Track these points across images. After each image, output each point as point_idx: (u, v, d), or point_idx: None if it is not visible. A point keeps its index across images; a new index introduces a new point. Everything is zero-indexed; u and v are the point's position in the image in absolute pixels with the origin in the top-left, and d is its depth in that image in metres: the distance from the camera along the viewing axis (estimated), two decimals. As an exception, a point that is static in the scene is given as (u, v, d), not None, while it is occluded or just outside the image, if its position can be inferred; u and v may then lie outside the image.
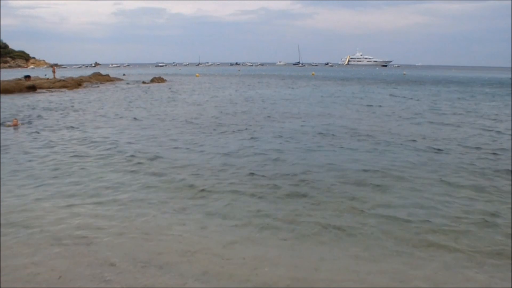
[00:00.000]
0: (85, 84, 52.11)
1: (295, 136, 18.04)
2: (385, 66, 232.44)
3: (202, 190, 10.47)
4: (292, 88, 51.58)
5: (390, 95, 41.51)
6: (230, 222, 8.57)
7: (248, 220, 8.66)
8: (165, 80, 63.72)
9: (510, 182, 11.20)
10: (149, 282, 6.27)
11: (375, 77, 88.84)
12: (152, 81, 60.23)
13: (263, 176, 11.73)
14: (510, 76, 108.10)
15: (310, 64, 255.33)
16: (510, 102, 34.87)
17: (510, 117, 24.52)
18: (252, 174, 11.91)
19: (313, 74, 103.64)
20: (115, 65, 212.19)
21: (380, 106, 30.38)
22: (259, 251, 7.29)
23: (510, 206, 9.40)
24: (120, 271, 6.58)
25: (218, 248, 7.38)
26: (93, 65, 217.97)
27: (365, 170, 12.28)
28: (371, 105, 30.62)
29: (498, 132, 19.56)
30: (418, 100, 35.86)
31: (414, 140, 17.03)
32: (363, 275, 6.52)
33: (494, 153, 14.83)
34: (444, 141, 17.10)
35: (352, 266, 6.81)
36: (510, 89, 53.00)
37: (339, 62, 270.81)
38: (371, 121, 22.70)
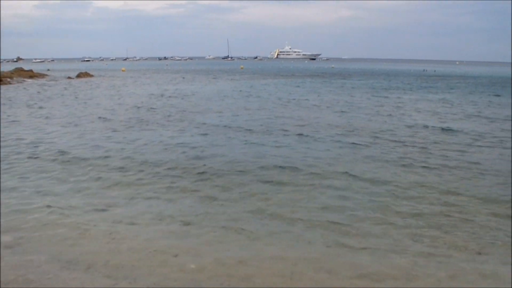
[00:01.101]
0: (6, 80, 49.25)
1: (208, 130, 17.76)
2: (314, 59, 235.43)
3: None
4: (214, 82, 51.15)
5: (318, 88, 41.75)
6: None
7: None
8: (92, 75, 61.53)
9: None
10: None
11: (303, 71, 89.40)
12: (79, 76, 58.08)
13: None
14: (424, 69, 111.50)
15: (239, 58, 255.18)
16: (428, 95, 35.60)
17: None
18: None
19: (241, 68, 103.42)
20: (39, 60, 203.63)
21: (306, 100, 30.37)
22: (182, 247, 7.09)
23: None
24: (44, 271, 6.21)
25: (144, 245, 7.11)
26: (15, 60, 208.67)
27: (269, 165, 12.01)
28: (291, 99, 30.60)
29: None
30: (339, 93, 36.04)
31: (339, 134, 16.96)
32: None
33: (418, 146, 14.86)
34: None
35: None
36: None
37: (269, 56, 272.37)
38: (293, 114, 22.65)
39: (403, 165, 12.25)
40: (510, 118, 21.64)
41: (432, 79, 64.37)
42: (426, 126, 19.13)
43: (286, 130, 17.78)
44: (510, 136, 16.52)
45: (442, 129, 18.45)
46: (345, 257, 6.74)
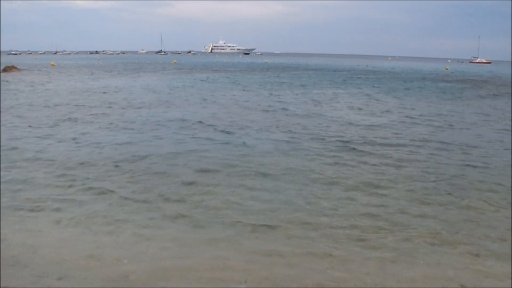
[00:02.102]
0: None
1: (127, 126, 17.56)
2: (248, 54, 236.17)
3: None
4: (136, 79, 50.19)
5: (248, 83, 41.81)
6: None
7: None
8: (20, 69, 59.01)
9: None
10: None
11: (234, 66, 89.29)
12: (5, 70, 55.61)
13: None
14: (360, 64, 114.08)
15: (172, 52, 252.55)
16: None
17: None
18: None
19: (174, 62, 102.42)
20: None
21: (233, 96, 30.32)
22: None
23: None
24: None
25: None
26: None
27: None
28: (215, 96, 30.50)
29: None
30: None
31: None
32: None
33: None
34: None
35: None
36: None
37: (202, 50, 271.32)
38: (218, 110, 22.51)
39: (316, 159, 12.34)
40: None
41: (362, 73, 65.81)
42: (345, 120, 19.45)
43: (211, 126, 17.71)
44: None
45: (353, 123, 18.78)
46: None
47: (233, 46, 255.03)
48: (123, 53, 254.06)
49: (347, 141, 15.08)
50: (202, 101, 26.56)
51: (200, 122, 18.60)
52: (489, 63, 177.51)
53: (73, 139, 14.92)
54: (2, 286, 5.78)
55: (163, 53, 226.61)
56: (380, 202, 9.16)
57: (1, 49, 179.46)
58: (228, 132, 16.42)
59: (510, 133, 17.41)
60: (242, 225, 7.86)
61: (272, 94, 31.16)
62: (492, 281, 6.19)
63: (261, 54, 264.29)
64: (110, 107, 23.09)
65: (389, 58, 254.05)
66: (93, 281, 5.93)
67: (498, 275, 6.33)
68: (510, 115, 22.69)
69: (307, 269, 6.39)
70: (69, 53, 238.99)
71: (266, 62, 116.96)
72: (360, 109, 24.10)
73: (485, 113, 23.63)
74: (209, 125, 17.96)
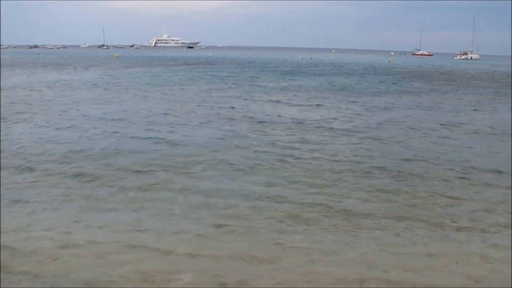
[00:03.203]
0: None
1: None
2: (192, 47, 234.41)
3: None
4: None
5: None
6: None
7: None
8: None
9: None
10: None
11: (176, 59, 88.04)
12: None
13: None
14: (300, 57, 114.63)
15: (115, 47, 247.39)
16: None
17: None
18: None
19: (117, 56, 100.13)
20: None
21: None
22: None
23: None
24: None
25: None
26: None
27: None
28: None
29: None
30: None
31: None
32: None
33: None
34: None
35: None
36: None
37: (146, 44, 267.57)
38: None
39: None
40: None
41: (303, 66, 65.94)
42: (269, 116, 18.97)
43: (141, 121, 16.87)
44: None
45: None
46: None
47: (177, 40, 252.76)
48: (64, 47, 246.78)
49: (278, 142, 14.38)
50: (134, 96, 25.53)
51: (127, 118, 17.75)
52: (431, 55, 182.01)
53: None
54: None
55: (105, 47, 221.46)
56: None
57: None
58: (150, 130, 15.72)
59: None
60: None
61: (209, 89, 30.23)
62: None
63: (206, 47, 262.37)
64: (30, 104, 21.72)
65: (333, 51, 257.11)
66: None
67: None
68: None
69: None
70: (6, 47, 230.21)
71: (210, 56, 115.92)
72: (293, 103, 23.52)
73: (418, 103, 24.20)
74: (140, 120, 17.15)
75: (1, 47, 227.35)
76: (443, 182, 10.22)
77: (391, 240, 7.20)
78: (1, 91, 26.76)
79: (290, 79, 40.31)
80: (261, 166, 11.12)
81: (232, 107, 21.16)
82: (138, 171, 10.47)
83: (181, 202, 8.66)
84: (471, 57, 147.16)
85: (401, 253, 6.77)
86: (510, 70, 68.38)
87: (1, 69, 47.69)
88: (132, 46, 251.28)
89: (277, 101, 23.78)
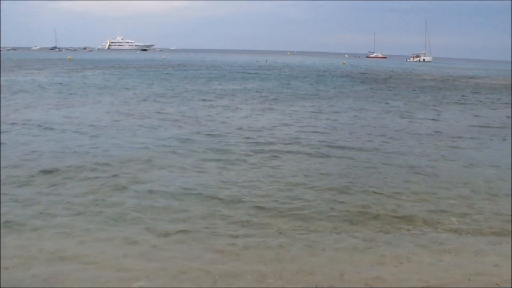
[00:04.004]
0: None
1: None
2: (145, 50, 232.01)
3: None
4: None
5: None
6: None
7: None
8: None
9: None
10: None
11: (131, 62, 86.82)
12: None
13: None
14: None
15: (68, 49, 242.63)
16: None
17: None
18: None
19: (69, 59, 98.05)
20: None
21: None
22: None
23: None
24: None
25: None
26: None
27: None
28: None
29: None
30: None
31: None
32: None
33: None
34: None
35: None
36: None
37: (100, 47, 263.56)
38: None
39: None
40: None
41: (254, 68, 66.05)
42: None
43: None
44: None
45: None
46: None
47: (131, 43, 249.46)
48: (14, 49, 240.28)
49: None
50: (80, 98, 24.97)
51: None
52: (385, 57, 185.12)
53: None
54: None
55: (57, 49, 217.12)
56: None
57: None
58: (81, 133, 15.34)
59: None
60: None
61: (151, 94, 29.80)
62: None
63: (161, 50, 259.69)
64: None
65: (288, 53, 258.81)
66: None
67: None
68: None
69: None
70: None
71: (164, 59, 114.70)
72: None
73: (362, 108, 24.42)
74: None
75: None
76: (395, 182, 10.38)
77: (346, 241, 7.23)
78: None
79: (241, 82, 40.28)
80: (208, 170, 10.93)
81: (180, 112, 20.83)
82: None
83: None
84: (424, 59, 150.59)
85: (355, 253, 6.80)
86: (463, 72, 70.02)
87: None
88: (85, 48, 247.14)
89: (219, 106, 23.48)
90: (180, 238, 7.18)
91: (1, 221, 7.60)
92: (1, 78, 37.33)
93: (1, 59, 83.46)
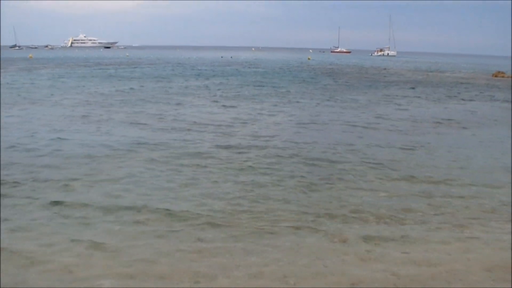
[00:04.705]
0: None
1: None
2: (109, 47, 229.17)
3: None
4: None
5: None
6: None
7: None
8: None
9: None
10: None
11: (91, 60, 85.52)
12: None
13: None
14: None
15: (29, 47, 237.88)
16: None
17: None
18: None
19: (30, 57, 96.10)
20: None
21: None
22: None
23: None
24: None
25: None
26: None
27: None
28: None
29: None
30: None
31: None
32: None
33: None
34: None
35: None
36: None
37: (62, 44, 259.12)
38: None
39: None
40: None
41: (217, 65, 65.93)
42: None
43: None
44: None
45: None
46: None
47: (94, 40, 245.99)
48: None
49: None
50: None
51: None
52: (349, 52, 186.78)
53: None
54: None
55: (18, 47, 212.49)
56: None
57: None
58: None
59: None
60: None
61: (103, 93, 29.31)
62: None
63: (125, 47, 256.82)
64: None
65: (253, 49, 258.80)
66: None
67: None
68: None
69: None
70: None
71: (127, 56, 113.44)
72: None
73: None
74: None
75: None
76: (357, 177, 10.49)
77: (309, 238, 7.23)
78: None
79: (205, 79, 40.04)
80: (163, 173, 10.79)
81: (138, 111, 20.40)
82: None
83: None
84: (388, 54, 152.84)
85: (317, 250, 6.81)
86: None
87: None
88: (47, 46, 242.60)
89: (179, 104, 23.08)
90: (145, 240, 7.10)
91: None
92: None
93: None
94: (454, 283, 5.95)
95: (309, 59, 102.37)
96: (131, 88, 29.66)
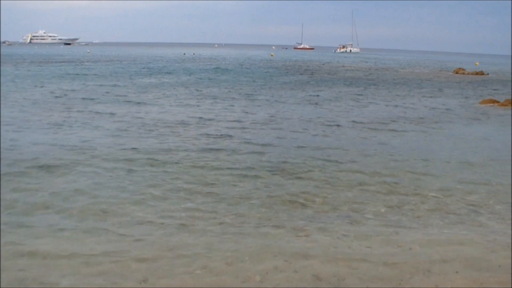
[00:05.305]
0: None
1: None
2: (69, 44, 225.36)
3: None
4: None
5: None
6: None
7: None
8: None
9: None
10: None
11: (48, 57, 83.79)
12: None
13: None
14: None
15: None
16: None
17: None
18: None
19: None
20: None
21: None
22: None
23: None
24: None
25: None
26: None
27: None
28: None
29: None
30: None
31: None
32: None
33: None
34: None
35: None
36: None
37: (21, 40, 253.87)
38: None
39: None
40: None
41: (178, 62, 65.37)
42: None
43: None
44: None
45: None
46: None
47: (54, 36, 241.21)
48: None
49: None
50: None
51: None
52: (312, 49, 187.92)
53: None
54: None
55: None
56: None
57: None
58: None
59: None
60: None
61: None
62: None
63: (86, 44, 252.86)
64: None
65: (216, 46, 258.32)
66: None
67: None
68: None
69: None
70: None
71: (89, 52, 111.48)
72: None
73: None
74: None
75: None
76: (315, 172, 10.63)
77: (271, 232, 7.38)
78: None
79: (162, 76, 39.50)
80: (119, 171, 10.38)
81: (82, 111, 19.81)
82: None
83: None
84: (351, 50, 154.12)
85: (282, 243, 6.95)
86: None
87: None
88: (4, 42, 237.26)
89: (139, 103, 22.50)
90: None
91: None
92: None
93: None
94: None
95: (271, 56, 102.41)
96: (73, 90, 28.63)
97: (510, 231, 7.57)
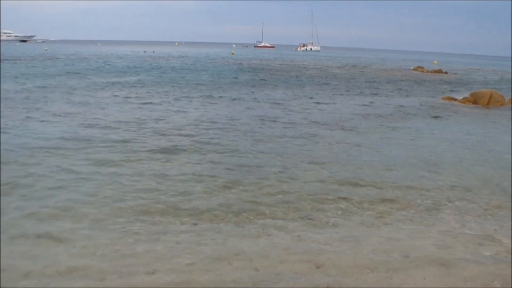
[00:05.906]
0: None
1: None
2: (25, 41, 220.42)
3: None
4: None
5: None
6: None
7: None
8: None
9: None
10: None
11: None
12: None
13: None
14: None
15: None
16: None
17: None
18: None
19: None
20: None
21: None
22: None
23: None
24: None
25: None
26: None
27: None
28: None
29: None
30: None
31: None
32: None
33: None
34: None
35: None
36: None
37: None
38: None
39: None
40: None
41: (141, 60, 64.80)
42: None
43: None
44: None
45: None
46: None
47: (9, 33, 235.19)
48: None
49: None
50: None
51: None
52: (273, 47, 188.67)
53: None
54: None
55: None
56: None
57: None
58: None
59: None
60: None
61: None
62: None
63: (43, 41, 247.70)
64: None
65: (176, 44, 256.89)
66: None
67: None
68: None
69: None
70: None
71: (46, 50, 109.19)
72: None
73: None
74: None
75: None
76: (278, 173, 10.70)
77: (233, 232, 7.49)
78: None
79: (120, 76, 38.79)
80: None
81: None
82: None
83: None
84: (311, 49, 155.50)
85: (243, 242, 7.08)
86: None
87: None
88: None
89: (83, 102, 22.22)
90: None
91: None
92: None
93: None
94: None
95: (232, 54, 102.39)
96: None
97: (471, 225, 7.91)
